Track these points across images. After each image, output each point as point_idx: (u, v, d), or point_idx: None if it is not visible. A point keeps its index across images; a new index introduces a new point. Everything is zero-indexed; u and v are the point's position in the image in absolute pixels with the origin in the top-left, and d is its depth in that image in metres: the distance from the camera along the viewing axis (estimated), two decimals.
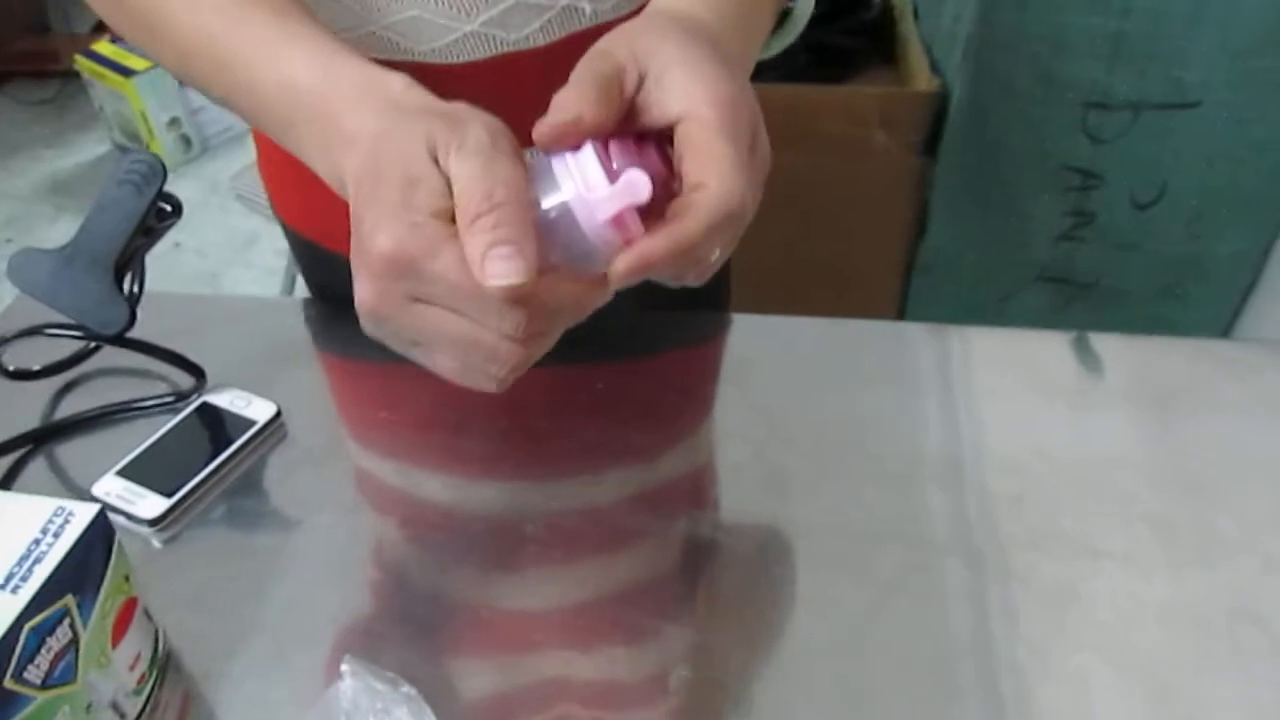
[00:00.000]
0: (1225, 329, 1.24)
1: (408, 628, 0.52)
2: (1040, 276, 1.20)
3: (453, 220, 0.39)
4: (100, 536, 0.46)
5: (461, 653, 0.51)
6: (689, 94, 0.41)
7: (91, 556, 0.45)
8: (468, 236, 0.37)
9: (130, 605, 0.48)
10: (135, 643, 0.48)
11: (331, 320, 0.72)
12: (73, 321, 0.59)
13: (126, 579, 0.47)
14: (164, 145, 2.46)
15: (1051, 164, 1.11)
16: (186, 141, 2.50)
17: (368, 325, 0.42)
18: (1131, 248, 1.16)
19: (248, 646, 0.51)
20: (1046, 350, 0.68)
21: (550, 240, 0.40)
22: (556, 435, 0.62)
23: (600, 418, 0.64)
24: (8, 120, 2.73)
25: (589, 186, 0.39)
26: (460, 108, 0.42)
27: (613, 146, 0.41)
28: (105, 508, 0.56)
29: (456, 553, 0.56)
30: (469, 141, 0.40)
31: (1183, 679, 0.49)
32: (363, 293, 0.41)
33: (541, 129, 0.40)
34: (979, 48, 1.05)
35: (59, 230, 2.32)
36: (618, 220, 0.39)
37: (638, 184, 0.39)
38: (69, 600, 0.43)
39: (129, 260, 0.58)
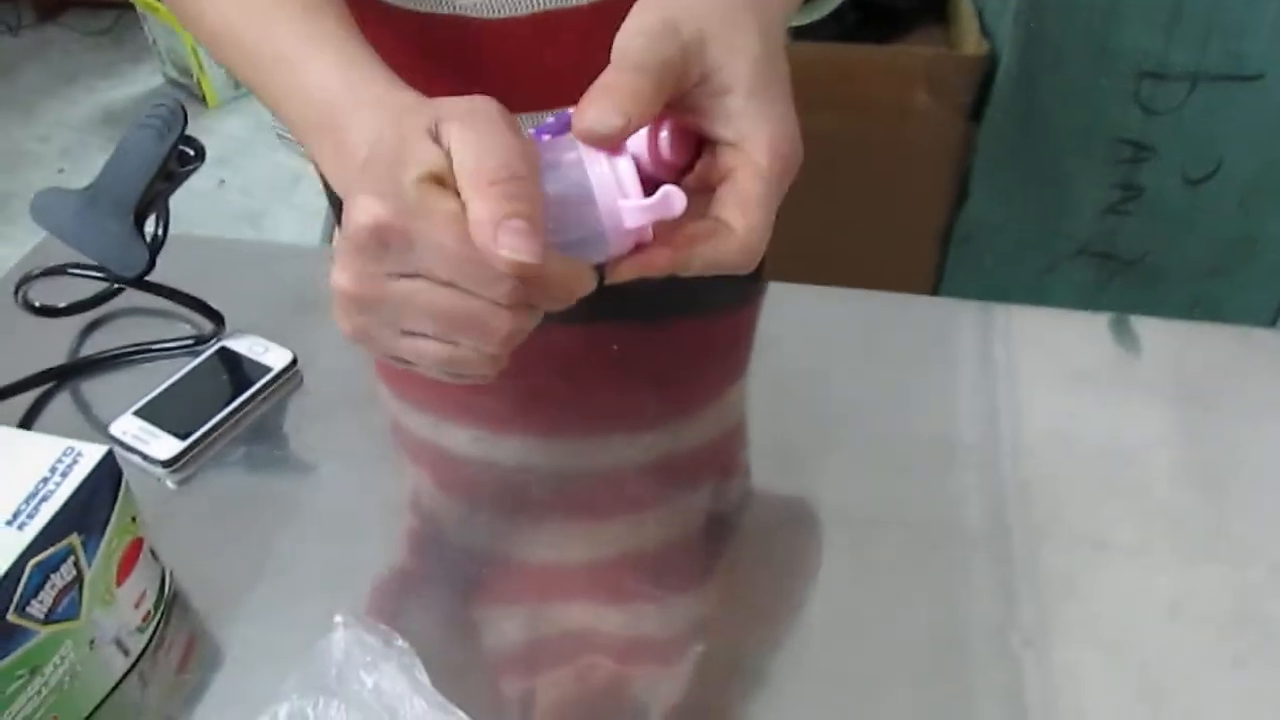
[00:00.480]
0: (1275, 311, 1.20)
1: (413, 580, 0.53)
2: (1083, 251, 1.17)
3: (443, 185, 0.37)
4: (108, 477, 0.47)
5: (467, 607, 0.52)
6: (751, 133, 0.40)
7: (98, 497, 0.46)
8: (479, 201, 0.35)
9: (136, 545, 0.49)
10: (141, 582, 0.49)
11: None
12: (95, 263, 0.59)
13: (133, 519, 0.48)
14: (214, 80, 2.48)
15: (1101, 135, 1.08)
16: None
17: (346, 318, 0.40)
18: (1181, 224, 1.12)
19: (255, 590, 0.52)
20: (1083, 333, 0.67)
21: (555, 221, 0.39)
22: (578, 396, 0.62)
23: (621, 381, 0.64)
24: (63, 50, 2.77)
25: (623, 191, 0.38)
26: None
27: (643, 141, 0.40)
28: (121, 446, 0.58)
29: (470, 508, 0.57)
30: (479, 112, 0.38)
31: (1179, 679, 0.48)
32: (340, 278, 0.39)
33: (588, 126, 0.38)
34: (1030, 12, 1.01)
35: None
36: (640, 228, 0.39)
37: (674, 202, 0.38)
38: (74, 539, 0.44)
39: (150, 204, 0.59)
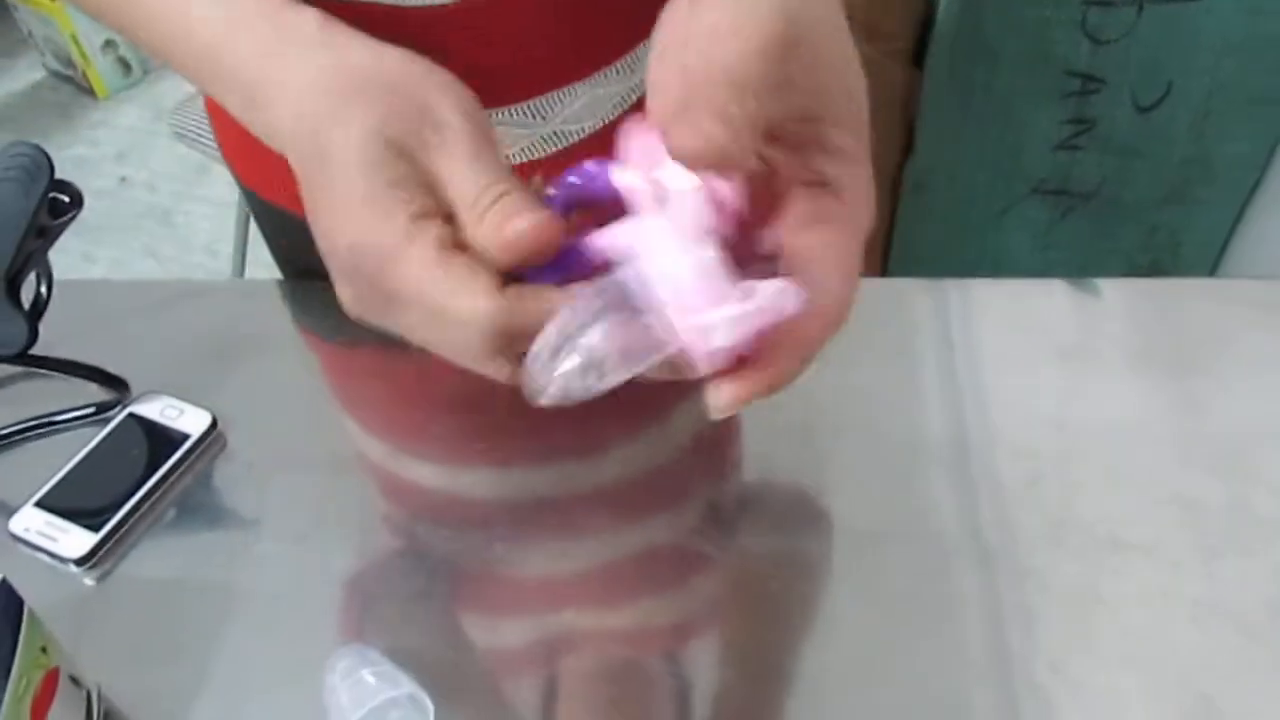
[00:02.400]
0: (1229, 232, 1.18)
1: (395, 600, 0.49)
2: (1037, 189, 1.13)
3: (426, 218, 0.34)
4: (6, 610, 0.40)
5: (458, 628, 0.48)
6: (856, 181, 0.34)
7: None
8: (477, 231, 0.33)
9: (52, 677, 0.42)
10: (62, 718, 0.43)
11: (296, 301, 0.65)
12: None
13: (44, 650, 0.42)
14: (100, 70, 2.32)
15: (1049, 70, 1.03)
16: (125, 65, 2.35)
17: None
18: (1133, 154, 1.09)
19: (199, 699, 0.47)
20: (1051, 303, 0.62)
21: (618, 352, 0.30)
22: (532, 431, 0.57)
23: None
24: None
25: (711, 295, 0.28)
26: (406, 74, 0.36)
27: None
28: (25, 545, 0.51)
29: (451, 531, 0.51)
30: (449, 137, 0.35)
31: (1223, 687, 0.45)
32: (342, 295, 0.36)
33: (686, 146, 0.30)
34: None
35: None
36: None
37: (787, 301, 0.28)
38: None
39: (24, 266, 0.51)
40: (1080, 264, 1.20)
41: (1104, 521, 0.51)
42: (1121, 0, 0.98)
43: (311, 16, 0.37)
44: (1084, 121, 1.08)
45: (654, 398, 0.58)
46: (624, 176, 0.32)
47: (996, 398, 0.57)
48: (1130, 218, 1.15)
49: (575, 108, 0.52)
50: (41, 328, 0.55)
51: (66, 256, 1.78)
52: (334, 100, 0.35)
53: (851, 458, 0.55)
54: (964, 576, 0.49)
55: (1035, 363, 0.59)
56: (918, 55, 1.07)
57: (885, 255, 1.22)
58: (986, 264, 1.20)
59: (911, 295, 0.63)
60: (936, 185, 1.14)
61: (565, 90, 0.51)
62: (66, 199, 0.53)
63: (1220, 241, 1.19)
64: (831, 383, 0.58)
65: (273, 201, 0.64)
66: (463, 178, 0.34)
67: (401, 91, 0.35)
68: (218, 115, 0.65)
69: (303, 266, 0.67)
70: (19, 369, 0.58)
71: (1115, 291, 0.63)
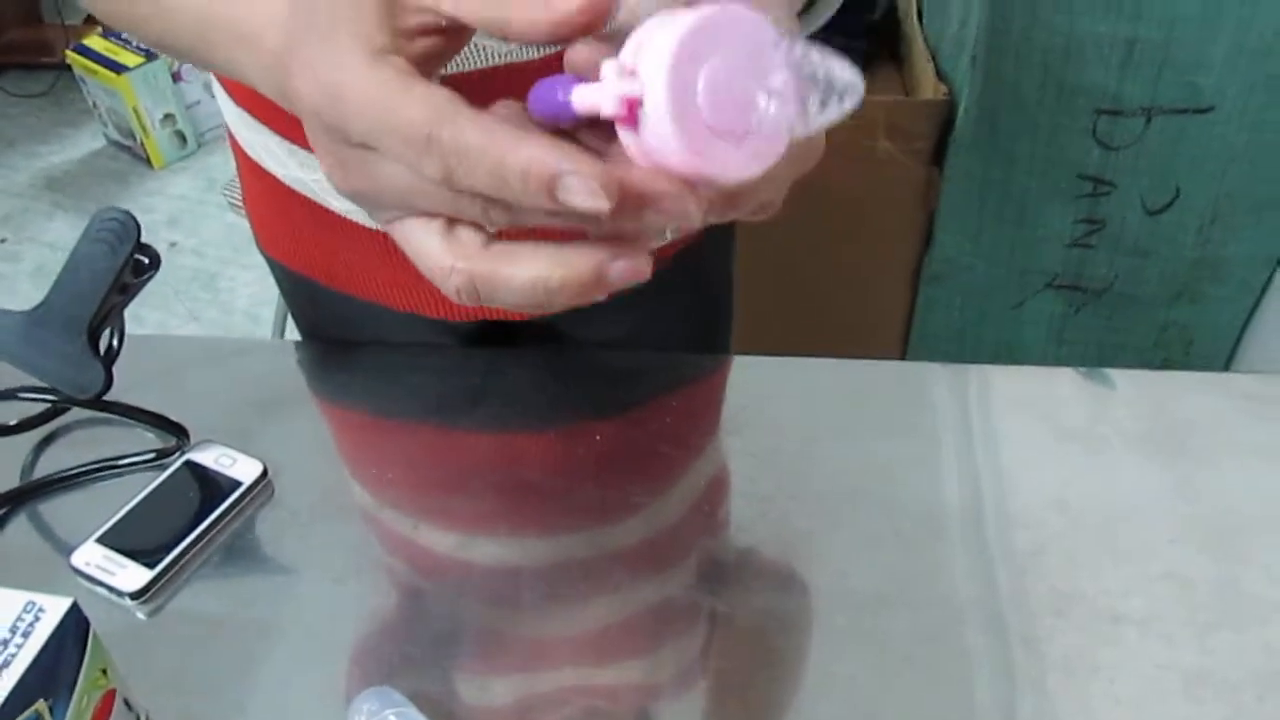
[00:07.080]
0: (1239, 332, 1.21)
1: (397, 653, 0.51)
2: (1051, 284, 1.17)
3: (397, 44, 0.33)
4: (74, 631, 0.43)
5: (455, 682, 0.50)
6: None
7: (64, 654, 0.43)
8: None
9: (109, 698, 0.46)
10: None
11: (320, 365, 0.69)
12: (46, 385, 0.56)
13: (104, 672, 0.45)
14: (158, 141, 2.43)
15: (1062, 172, 1.08)
16: (181, 138, 2.47)
17: (349, 200, 0.36)
18: (1144, 254, 1.13)
19: None
20: (1062, 390, 0.66)
21: None
22: (557, 493, 0.60)
23: (600, 472, 0.61)
24: (1, 114, 2.70)
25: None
26: None
27: None
28: (85, 578, 0.55)
29: (452, 623, 0.54)
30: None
31: None
32: (326, 167, 0.35)
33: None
34: (987, 54, 1.02)
35: (56, 228, 2.29)
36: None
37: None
38: (40, 705, 0.41)
39: (104, 319, 0.56)
40: (1094, 358, 1.23)
41: (1103, 595, 0.54)
42: (1130, 110, 1.03)
43: None
44: (1096, 221, 1.12)
45: (665, 466, 0.62)
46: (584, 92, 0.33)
47: (1006, 475, 0.60)
48: (1142, 314, 1.18)
49: None
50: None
51: None
52: None
53: (866, 525, 0.58)
54: (968, 641, 0.52)
55: (1042, 445, 0.62)
56: (938, 155, 1.12)
57: (904, 343, 1.26)
58: (1001, 355, 1.23)
59: (930, 377, 0.67)
60: (954, 278, 1.18)
61: None
62: (147, 260, 0.58)
63: (1232, 339, 1.22)
64: (851, 455, 0.61)
65: (298, 271, 0.69)
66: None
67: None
68: (248, 198, 0.71)
69: (320, 333, 0.71)
70: (90, 413, 0.62)
71: (1122, 380, 0.66)
